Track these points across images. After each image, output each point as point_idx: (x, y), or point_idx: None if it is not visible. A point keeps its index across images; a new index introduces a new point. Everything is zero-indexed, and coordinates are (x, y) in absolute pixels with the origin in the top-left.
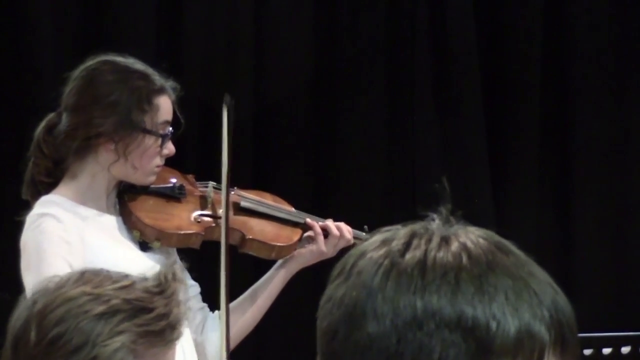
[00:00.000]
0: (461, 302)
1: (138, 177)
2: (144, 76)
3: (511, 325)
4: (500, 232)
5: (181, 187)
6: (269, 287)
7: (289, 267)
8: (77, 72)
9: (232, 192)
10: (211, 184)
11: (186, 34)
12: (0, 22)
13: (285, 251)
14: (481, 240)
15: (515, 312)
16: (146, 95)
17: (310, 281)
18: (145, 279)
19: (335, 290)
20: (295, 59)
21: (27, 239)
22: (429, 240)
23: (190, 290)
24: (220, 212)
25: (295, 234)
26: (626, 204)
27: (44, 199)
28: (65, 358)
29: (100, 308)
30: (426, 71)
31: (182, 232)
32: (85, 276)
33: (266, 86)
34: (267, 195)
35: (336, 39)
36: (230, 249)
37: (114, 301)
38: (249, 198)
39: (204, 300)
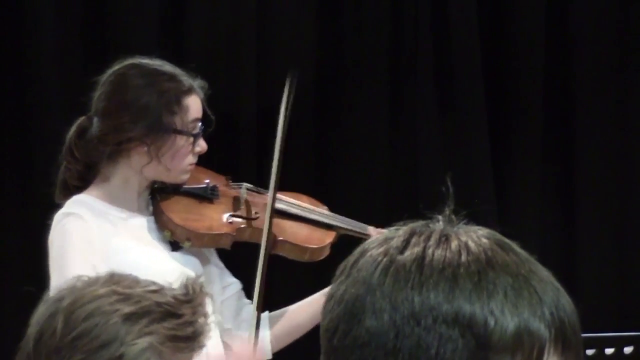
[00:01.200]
0: (459, 298)
1: (171, 177)
2: (172, 78)
3: (510, 323)
4: (502, 231)
5: (214, 188)
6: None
7: None
8: (106, 76)
9: (266, 194)
10: (244, 185)
11: (188, 32)
12: (1, 21)
13: (317, 253)
14: (483, 239)
15: (514, 309)
16: (175, 97)
17: (315, 282)
18: (172, 288)
19: (336, 288)
20: (298, 57)
21: (53, 238)
22: (428, 238)
23: (231, 287)
24: (253, 213)
25: (328, 236)
26: (630, 205)
27: (74, 198)
28: (91, 353)
29: (131, 308)
30: (429, 70)
31: (213, 232)
32: (115, 277)
33: (269, 84)
34: (304, 197)
35: (339, 37)
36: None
37: (145, 302)
38: (283, 200)
39: None
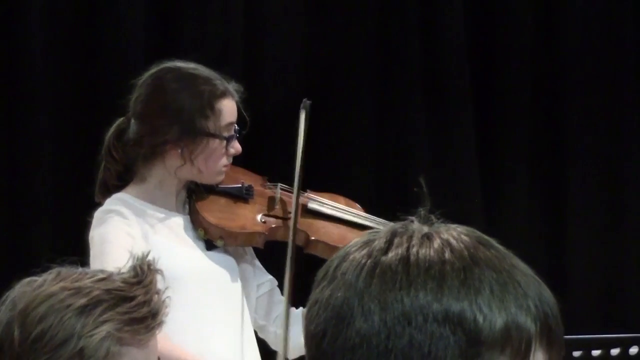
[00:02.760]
0: (447, 296)
1: (205, 178)
2: (207, 81)
3: (498, 318)
4: (490, 231)
5: (249, 188)
6: None
7: None
8: (142, 79)
9: (304, 195)
10: (280, 185)
11: (177, 40)
12: None
13: None
14: (463, 236)
15: (501, 304)
16: (208, 101)
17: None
18: (121, 272)
19: (320, 293)
20: (287, 60)
21: (94, 234)
22: (411, 238)
23: (265, 285)
24: (287, 213)
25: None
26: (618, 204)
27: (114, 196)
28: (51, 353)
29: (82, 301)
30: (417, 71)
31: (246, 231)
32: (62, 274)
33: (258, 88)
34: (340, 198)
35: (327, 39)
36: (297, 249)
37: (95, 292)
38: (317, 200)
39: None
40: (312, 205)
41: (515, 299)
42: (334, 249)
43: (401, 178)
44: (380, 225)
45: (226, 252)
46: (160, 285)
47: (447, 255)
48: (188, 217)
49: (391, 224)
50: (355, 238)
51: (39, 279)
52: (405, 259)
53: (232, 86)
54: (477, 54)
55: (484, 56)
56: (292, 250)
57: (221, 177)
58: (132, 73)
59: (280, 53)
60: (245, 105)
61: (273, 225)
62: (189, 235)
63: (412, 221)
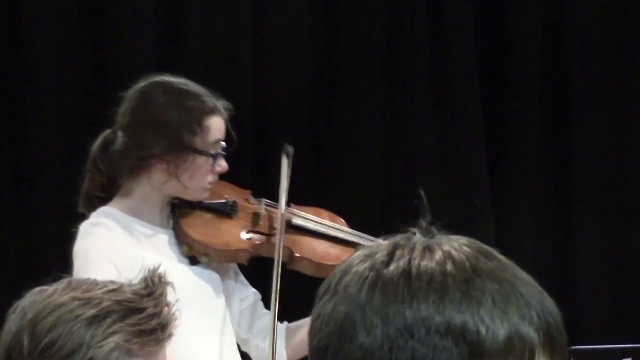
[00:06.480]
0: (449, 308)
1: (190, 195)
2: (196, 98)
3: (500, 329)
4: (498, 236)
5: (234, 204)
6: None
7: None
8: (131, 92)
9: (287, 210)
10: (264, 201)
11: (186, 34)
12: None
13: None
14: (464, 248)
15: (503, 315)
16: (197, 118)
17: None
18: (132, 284)
19: (323, 307)
20: (295, 58)
21: (78, 247)
22: (412, 250)
23: (249, 299)
24: (271, 229)
25: (345, 254)
26: (628, 210)
27: (101, 210)
28: None
29: (92, 311)
30: (425, 71)
31: (230, 248)
32: (73, 284)
33: (266, 85)
34: (324, 212)
35: (335, 38)
36: (282, 265)
37: (105, 304)
38: (302, 216)
39: None
40: (297, 221)
41: (517, 309)
42: (317, 265)
43: (411, 182)
44: (364, 241)
45: (210, 267)
46: (170, 297)
47: (449, 267)
48: (172, 232)
49: (375, 239)
50: (339, 254)
51: (49, 289)
52: (407, 272)
53: (221, 104)
54: (486, 57)
55: (493, 59)
56: (278, 267)
57: (206, 195)
58: (142, 73)
59: (288, 53)
60: (233, 124)
61: (257, 242)
62: (174, 251)
63: (414, 233)
